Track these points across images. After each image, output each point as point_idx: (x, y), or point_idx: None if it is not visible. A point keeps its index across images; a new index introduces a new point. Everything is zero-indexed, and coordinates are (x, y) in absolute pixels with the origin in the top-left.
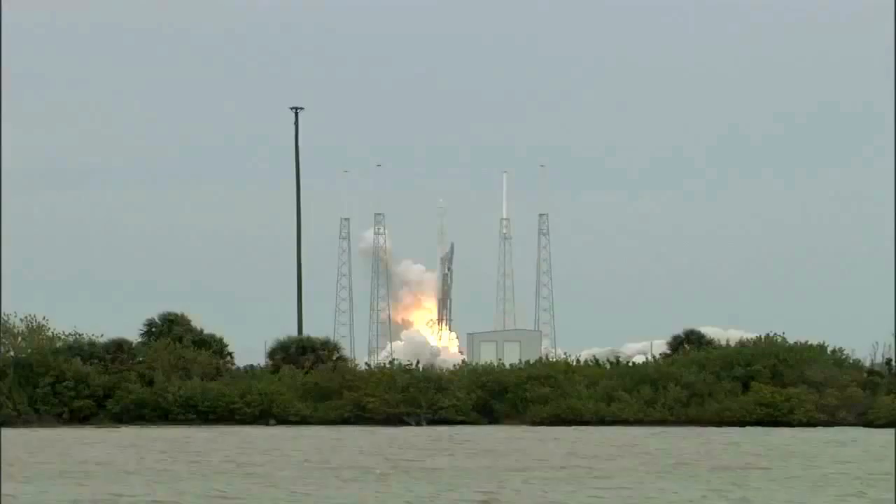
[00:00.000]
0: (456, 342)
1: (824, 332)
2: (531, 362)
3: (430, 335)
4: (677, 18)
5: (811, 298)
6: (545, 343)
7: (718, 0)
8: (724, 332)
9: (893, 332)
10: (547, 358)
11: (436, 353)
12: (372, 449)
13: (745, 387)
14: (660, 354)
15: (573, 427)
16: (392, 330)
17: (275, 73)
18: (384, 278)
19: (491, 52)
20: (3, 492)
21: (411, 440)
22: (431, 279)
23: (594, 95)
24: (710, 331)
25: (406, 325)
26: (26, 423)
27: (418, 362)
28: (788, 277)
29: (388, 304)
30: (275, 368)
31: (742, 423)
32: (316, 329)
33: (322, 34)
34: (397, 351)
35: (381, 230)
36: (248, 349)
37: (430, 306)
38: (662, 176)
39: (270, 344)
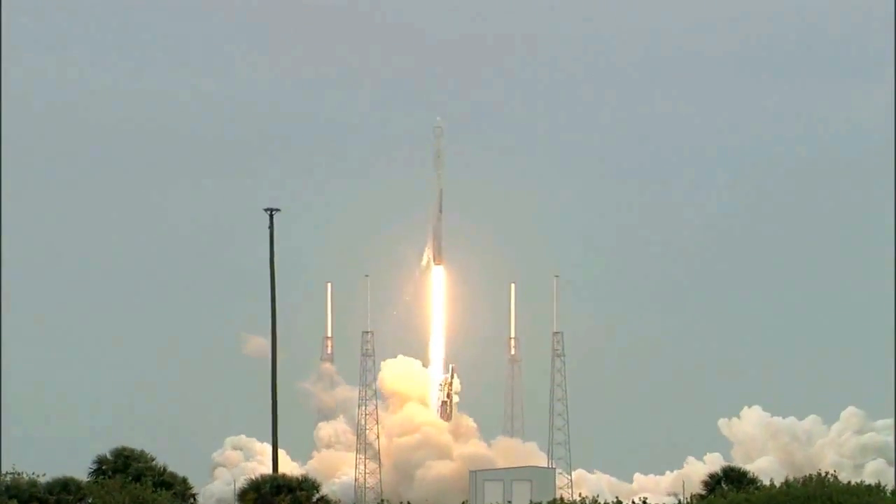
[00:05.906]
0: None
1: None
2: None
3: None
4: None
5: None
6: (561, 481)
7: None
8: None
9: None
10: (562, 500)
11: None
12: None
13: None
14: (692, 495)
15: None
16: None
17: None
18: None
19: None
20: None
21: None
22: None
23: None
24: None
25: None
26: None
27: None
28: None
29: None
30: None
31: None
32: (295, 464)
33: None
34: None
35: (370, 350)
36: (216, 490)
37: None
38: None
39: (240, 483)
